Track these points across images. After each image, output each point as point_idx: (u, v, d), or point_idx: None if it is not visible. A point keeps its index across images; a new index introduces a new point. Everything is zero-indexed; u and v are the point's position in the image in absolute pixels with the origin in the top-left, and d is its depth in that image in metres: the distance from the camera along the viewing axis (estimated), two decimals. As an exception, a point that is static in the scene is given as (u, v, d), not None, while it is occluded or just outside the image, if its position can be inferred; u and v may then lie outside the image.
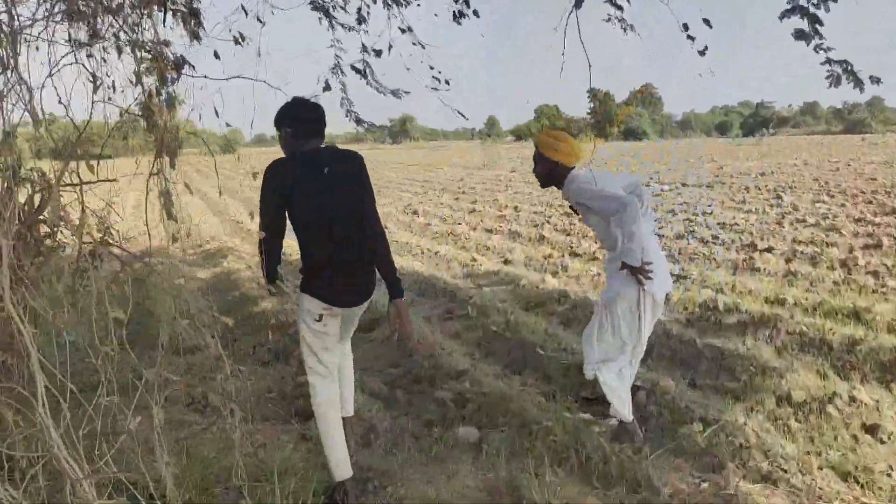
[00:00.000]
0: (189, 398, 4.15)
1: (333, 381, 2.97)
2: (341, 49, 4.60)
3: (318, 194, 2.72)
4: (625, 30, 3.46)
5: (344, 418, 3.06)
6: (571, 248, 8.92)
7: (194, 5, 4.77)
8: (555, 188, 3.59)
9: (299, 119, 2.77)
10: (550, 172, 3.46)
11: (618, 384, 3.53)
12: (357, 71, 3.39)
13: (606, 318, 3.51)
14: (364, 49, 3.35)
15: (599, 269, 7.56)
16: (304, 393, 4.12)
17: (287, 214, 2.78)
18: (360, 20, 3.64)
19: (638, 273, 3.26)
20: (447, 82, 3.37)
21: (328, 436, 2.86)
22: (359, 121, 4.94)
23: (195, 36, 4.70)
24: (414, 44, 3.45)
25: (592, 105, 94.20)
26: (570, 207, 3.64)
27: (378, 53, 3.54)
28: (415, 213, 13.54)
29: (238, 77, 2.68)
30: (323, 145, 2.86)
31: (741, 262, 7.64)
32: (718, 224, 10.50)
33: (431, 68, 3.31)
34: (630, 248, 3.20)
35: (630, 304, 3.41)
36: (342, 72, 4.67)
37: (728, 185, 16.69)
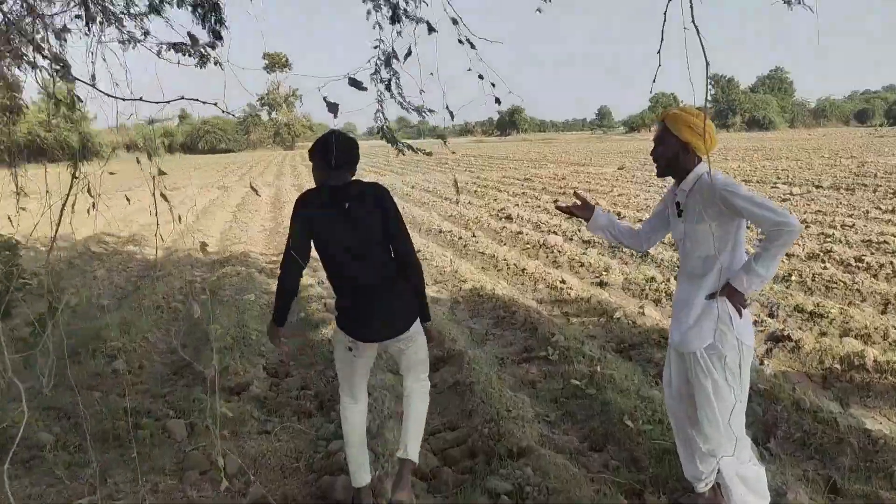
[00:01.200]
0: (208, 462, 3.63)
1: (358, 406, 3.10)
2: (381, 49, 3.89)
3: (340, 229, 2.77)
4: (788, 3, 2.44)
5: (402, 459, 3.04)
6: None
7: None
8: (671, 179, 2.88)
9: (329, 152, 2.73)
10: (677, 156, 2.74)
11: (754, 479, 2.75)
12: (382, 81, 2.68)
13: (707, 381, 2.69)
14: (389, 57, 2.61)
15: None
16: (333, 469, 3.50)
17: (313, 246, 2.87)
18: (395, 19, 2.89)
19: (739, 302, 2.62)
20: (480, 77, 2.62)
21: (348, 450, 3.07)
22: (393, 140, 4.21)
23: (216, 35, 4.07)
24: (461, 41, 2.65)
25: (713, 92, 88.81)
26: (676, 203, 2.85)
27: (404, 57, 2.80)
28: (508, 217, 12.70)
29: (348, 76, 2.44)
30: (352, 179, 2.87)
31: (894, 297, 6.25)
32: (863, 241, 8.90)
33: (477, 75, 2.54)
34: (763, 276, 2.54)
35: (737, 353, 2.66)
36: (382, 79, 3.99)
37: (872, 189, 14.52)
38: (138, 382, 5.05)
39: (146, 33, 4.63)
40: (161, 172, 2.54)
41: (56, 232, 3.21)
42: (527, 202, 15.12)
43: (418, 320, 2.99)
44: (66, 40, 4.40)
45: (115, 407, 4.37)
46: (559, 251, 9.26)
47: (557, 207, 3.38)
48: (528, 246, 9.94)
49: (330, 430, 3.99)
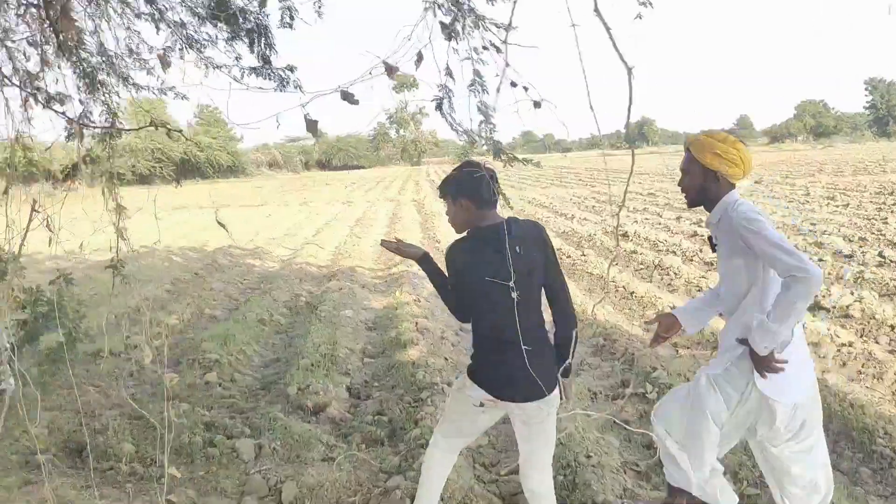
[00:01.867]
0: (267, 487, 3.54)
1: (450, 457, 2.83)
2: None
3: (508, 274, 2.33)
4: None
5: None
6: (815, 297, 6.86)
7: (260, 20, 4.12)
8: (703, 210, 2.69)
9: (484, 186, 2.37)
10: (705, 186, 2.59)
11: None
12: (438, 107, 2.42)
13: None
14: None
15: (849, 338, 5.57)
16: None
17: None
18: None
19: (762, 366, 2.42)
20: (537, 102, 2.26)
21: (421, 491, 2.79)
22: (497, 152, 3.95)
23: (265, 60, 4.00)
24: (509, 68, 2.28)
25: (871, 98, 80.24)
26: (709, 238, 2.76)
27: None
28: (624, 235, 12.00)
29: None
30: (500, 214, 2.52)
31: None
32: None
33: (515, 85, 2.21)
34: (775, 331, 2.31)
35: (726, 389, 2.59)
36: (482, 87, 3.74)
37: None
38: (227, 396, 5.13)
39: (238, 57, 4.75)
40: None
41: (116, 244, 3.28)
42: (646, 219, 14.27)
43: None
44: (168, 65, 4.59)
45: (197, 420, 4.44)
46: (675, 273, 8.54)
47: (652, 343, 3.08)
48: (642, 267, 9.27)
49: (394, 462, 3.77)
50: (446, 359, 5.58)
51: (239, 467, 3.83)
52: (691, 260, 9.43)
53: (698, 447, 2.67)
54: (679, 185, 2.69)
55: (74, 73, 4.69)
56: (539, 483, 2.64)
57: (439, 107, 2.62)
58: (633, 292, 7.67)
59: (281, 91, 4.78)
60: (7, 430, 4.37)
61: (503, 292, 2.37)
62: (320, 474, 3.60)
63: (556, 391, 2.55)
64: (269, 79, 4.69)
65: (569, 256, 10.37)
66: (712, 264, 8.89)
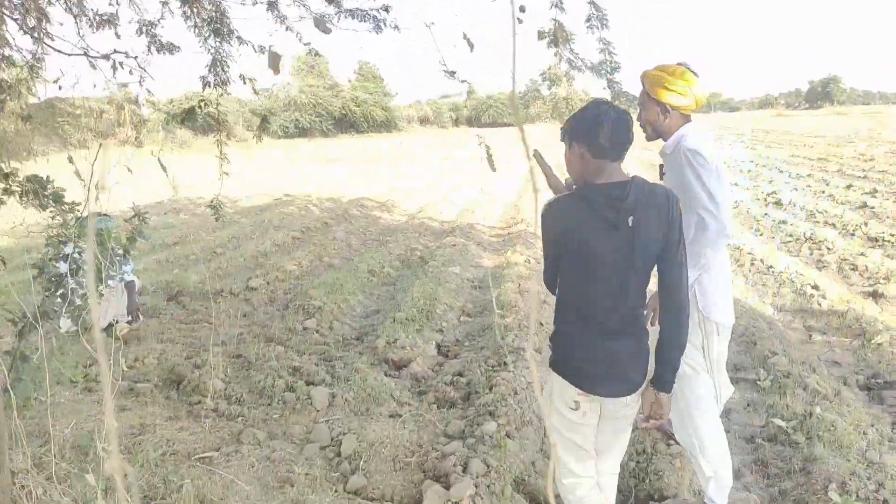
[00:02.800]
0: (329, 438, 3.55)
1: (594, 487, 2.33)
2: None
3: (613, 248, 2.01)
4: None
5: None
6: None
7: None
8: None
9: (606, 131, 1.98)
10: (658, 120, 2.66)
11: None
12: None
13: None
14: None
15: None
16: (440, 474, 3.15)
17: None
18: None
19: None
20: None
21: None
22: (617, 94, 3.87)
23: None
24: None
25: None
26: (660, 166, 2.90)
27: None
28: (777, 203, 10.73)
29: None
30: (625, 173, 2.07)
31: None
32: None
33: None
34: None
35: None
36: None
37: None
38: (321, 343, 5.26)
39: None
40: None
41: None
42: (808, 186, 12.67)
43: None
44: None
45: (287, 364, 4.58)
46: (829, 248, 7.48)
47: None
48: (790, 239, 8.22)
49: (458, 426, 3.63)
50: (542, 324, 5.30)
51: (310, 414, 3.88)
52: (852, 234, 8.21)
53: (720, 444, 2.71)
54: (637, 120, 2.51)
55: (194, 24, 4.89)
56: (611, 477, 2.40)
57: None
58: (770, 266, 6.82)
59: (377, 33, 4.67)
60: (125, 358, 4.80)
61: (604, 269, 2.03)
62: (382, 430, 3.54)
63: (644, 386, 2.17)
64: (364, 20, 4.60)
65: (707, 223, 9.49)
66: (878, 240, 7.69)
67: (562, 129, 2.13)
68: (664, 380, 2.11)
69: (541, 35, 3.58)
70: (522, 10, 3.38)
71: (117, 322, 5.55)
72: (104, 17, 5.07)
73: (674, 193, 2.07)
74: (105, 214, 5.51)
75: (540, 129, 55.40)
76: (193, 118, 5.62)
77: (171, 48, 4.84)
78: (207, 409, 3.96)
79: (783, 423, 3.47)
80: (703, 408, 2.67)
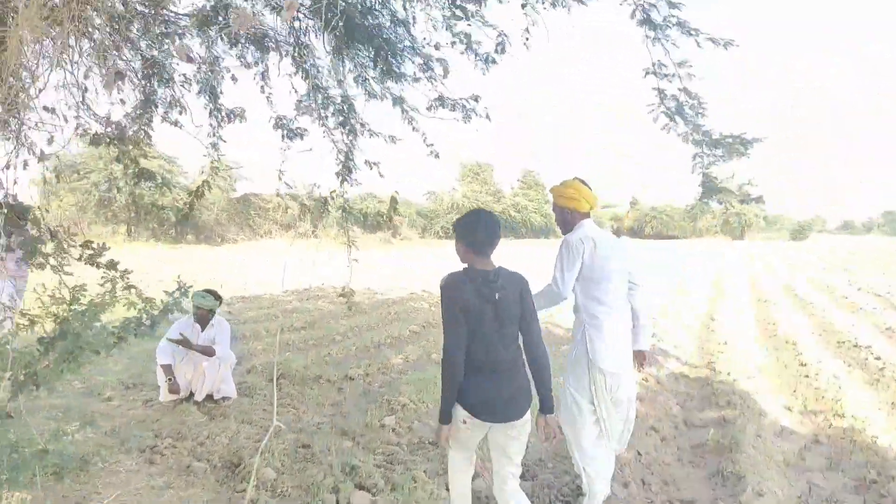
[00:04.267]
0: None
1: (465, 475, 3.13)
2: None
3: (488, 316, 2.79)
4: None
5: None
6: None
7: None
8: None
9: (479, 235, 2.84)
10: (564, 219, 3.68)
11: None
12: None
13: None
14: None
15: None
16: None
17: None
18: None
19: None
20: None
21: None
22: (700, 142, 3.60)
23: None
24: None
25: None
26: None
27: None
28: (855, 346, 8.80)
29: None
30: (493, 263, 2.91)
31: None
32: None
33: None
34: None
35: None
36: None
37: None
38: (395, 443, 4.92)
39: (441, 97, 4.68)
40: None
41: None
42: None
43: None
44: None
45: (346, 462, 4.30)
46: None
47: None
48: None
49: None
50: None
51: None
52: None
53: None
54: (556, 222, 3.74)
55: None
56: (511, 479, 3.02)
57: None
58: None
59: (466, 122, 4.58)
60: (200, 434, 4.81)
61: (487, 330, 2.77)
62: None
63: (528, 415, 2.91)
64: (454, 109, 4.53)
65: (878, 358, 7.97)
66: None
67: (452, 226, 2.94)
68: (545, 405, 2.91)
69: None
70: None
71: (223, 398, 5.66)
72: (235, 112, 5.50)
73: (524, 278, 2.92)
74: (208, 292, 5.79)
75: (707, 243, 52.66)
76: (324, 209, 5.85)
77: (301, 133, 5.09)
78: (248, 500, 3.76)
79: None
80: (584, 435, 3.51)
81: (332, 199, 5.28)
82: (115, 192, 30.08)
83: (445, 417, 2.83)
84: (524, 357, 2.90)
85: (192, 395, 5.67)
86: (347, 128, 4.89)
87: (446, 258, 26.42)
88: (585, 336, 3.47)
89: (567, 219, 3.63)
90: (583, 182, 3.65)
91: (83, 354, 2.54)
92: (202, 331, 5.76)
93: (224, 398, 5.70)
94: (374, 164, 4.94)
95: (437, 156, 5.21)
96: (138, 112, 4.92)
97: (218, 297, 5.74)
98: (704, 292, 15.63)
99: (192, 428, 4.94)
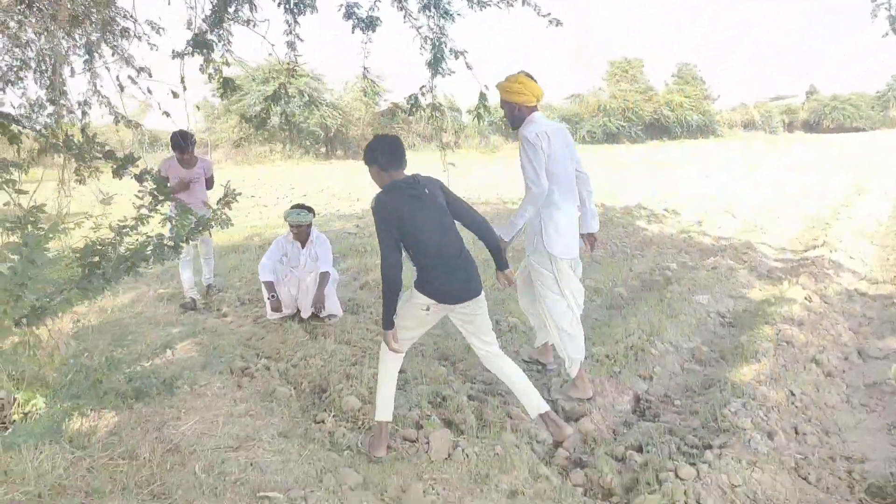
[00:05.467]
0: None
1: (398, 359, 3.38)
2: None
3: (423, 215, 3.08)
4: None
5: (542, 413, 3.34)
6: None
7: None
8: None
9: (382, 157, 3.13)
10: (512, 114, 3.76)
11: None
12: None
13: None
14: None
15: None
16: None
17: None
18: None
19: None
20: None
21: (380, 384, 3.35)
22: None
23: None
24: None
25: None
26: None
27: None
28: None
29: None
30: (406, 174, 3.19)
31: None
32: None
33: None
34: (515, 226, 3.73)
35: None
36: None
37: None
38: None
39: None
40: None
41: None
42: None
43: None
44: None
45: (437, 391, 3.90)
46: None
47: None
48: None
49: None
50: (793, 393, 3.68)
51: (417, 467, 3.11)
52: None
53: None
54: (505, 118, 3.87)
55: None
56: (490, 345, 3.40)
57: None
58: None
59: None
60: (294, 355, 4.62)
61: (428, 225, 3.08)
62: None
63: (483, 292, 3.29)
64: None
65: None
66: None
67: (365, 156, 3.18)
68: (500, 263, 3.44)
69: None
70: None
71: (329, 315, 5.47)
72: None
73: (440, 182, 3.26)
74: (301, 207, 5.52)
75: (900, 135, 45.09)
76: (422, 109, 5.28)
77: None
78: (324, 431, 3.46)
79: None
80: (558, 311, 3.78)
81: (423, 94, 4.66)
82: (268, 111, 31.48)
83: (388, 324, 3.13)
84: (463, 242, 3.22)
85: (298, 312, 5.52)
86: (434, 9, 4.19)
87: (592, 166, 24.85)
88: (542, 229, 3.72)
89: (516, 113, 3.74)
90: (528, 76, 3.75)
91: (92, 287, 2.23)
92: (303, 248, 5.53)
93: (330, 316, 5.49)
94: (462, 52, 4.22)
95: (558, 23, 4.45)
96: (213, 16, 4.54)
97: (311, 210, 5.48)
98: (892, 193, 13.20)
99: (291, 347, 4.77)
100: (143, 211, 2.66)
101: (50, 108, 5.19)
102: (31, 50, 4.96)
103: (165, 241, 2.63)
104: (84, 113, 5.24)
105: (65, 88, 5.06)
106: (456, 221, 3.22)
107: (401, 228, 3.03)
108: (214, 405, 3.72)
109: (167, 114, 4.97)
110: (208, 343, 4.84)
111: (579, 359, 3.80)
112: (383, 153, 3.11)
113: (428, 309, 3.16)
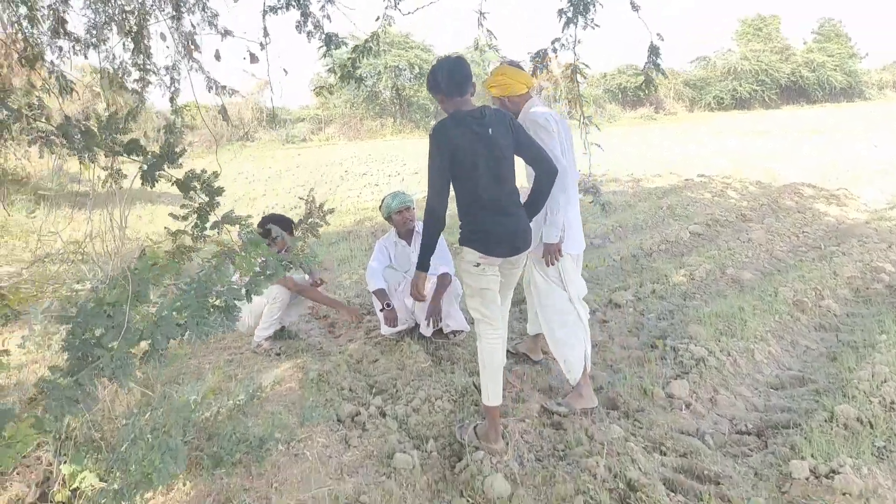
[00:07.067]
0: None
1: (497, 331, 3.01)
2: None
3: (483, 155, 2.80)
4: None
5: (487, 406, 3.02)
6: None
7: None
8: None
9: (443, 81, 2.83)
10: (506, 107, 3.46)
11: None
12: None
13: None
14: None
15: None
16: None
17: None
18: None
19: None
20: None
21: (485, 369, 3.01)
22: None
23: None
24: None
25: None
26: None
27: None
28: None
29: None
30: (474, 105, 2.90)
31: None
32: None
33: None
34: (553, 223, 3.28)
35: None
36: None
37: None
38: (689, 432, 3.21)
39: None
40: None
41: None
42: None
43: None
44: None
45: (612, 469, 2.75)
46: None
47: None
48: None
49: None
50: None
51: None
52: None
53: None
54: None
55: None
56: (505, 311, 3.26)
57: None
58: None
59: None
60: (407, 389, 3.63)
61: (487, 167, 2.81)
62: None
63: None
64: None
65: None
66: None
67: (428, 83, 2.92)
68: (548, 231, 3.27)
69: None
70: None
71: (453, 332, 4.46)
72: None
73: (510, 115, 2.99)
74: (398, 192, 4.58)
75: None
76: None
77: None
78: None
79: None
80: (558, 309, 3.47)
81: (554, 51, 3.88)
82: (380, 86, 31.06)
83: (424, 265, 2.94)
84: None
85: (416, 326, 4.54)
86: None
87: (720, 133, 22.28)
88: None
89: (509, 107, 3.48)
90: (512, 63, 3.57)
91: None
92: (409, 245, 4.51)
93: (454, 332, 4.46)
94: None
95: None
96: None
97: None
98: None
99: (411, 379, 3.78)
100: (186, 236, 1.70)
101: (135, 74, 4.47)
102: (113, 5, 4.25)
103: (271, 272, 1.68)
104: (173, 80, 4.48)
105: (151, 51, 4.30)
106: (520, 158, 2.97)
107: (454, 163, 2.78)
108: (315, 474, 2.78)
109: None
110: (311, 367, 3.92)
111: (580, 366, 3.41)
112: (444, 78, 2.83)
113: (478, 265, 2.91)
